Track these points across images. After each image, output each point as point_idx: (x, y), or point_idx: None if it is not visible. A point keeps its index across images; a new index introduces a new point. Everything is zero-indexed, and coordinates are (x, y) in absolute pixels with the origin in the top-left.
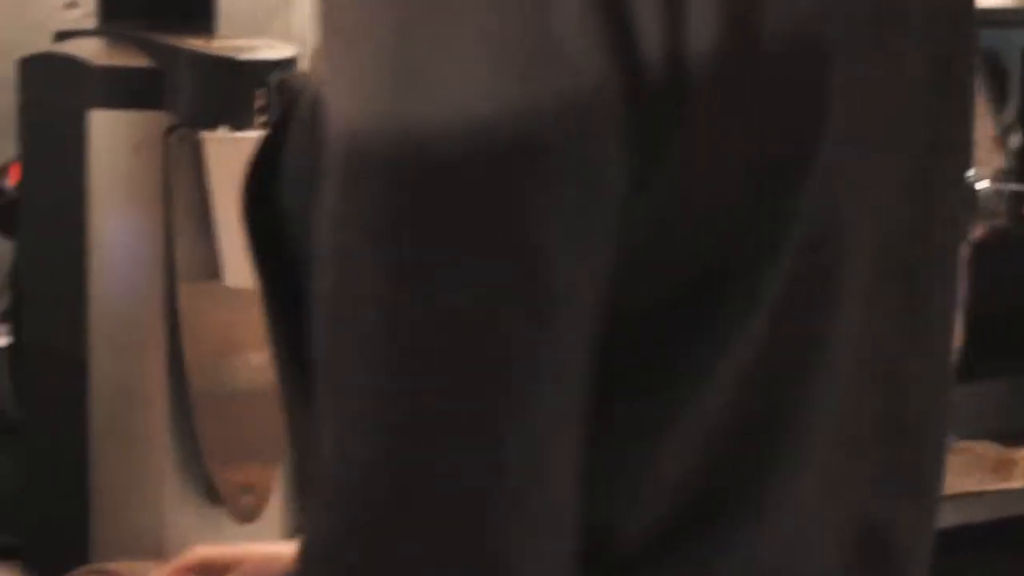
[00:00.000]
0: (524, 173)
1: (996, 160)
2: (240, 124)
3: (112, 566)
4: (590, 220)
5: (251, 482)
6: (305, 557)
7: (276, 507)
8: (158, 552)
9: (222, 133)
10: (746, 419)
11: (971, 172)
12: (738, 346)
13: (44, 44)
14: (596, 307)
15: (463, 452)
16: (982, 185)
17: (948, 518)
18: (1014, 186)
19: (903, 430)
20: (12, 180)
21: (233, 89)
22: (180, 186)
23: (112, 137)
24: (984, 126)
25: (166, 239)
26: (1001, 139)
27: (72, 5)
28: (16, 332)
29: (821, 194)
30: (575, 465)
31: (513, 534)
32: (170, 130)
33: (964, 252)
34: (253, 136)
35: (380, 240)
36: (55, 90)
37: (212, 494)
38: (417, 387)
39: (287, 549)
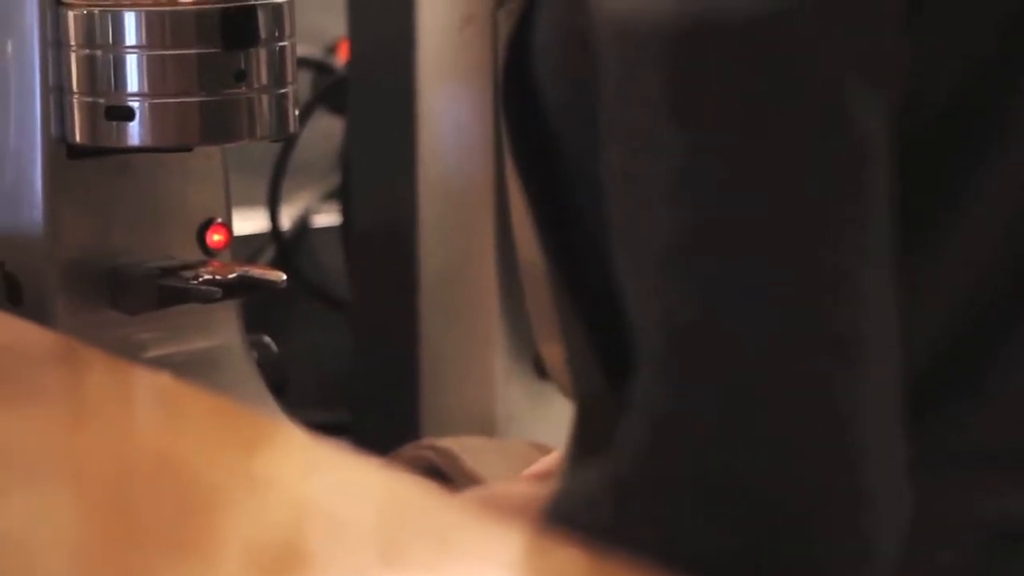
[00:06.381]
0: (814, 17)
1: None
2: None
3: (441, 442)
4: (880, 49)
5: None
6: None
7: None
8: (487, 428)
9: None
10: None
11: None
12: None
13: None
14: (891, 131)
15: (785, 295)
16: None
17: None
18: None
19: None
20: (341, 57)
21: None
22: None
23: (441, 12)
24: None
25: (495, 115)
26: None
27: None
28: (346, 211)
29: None
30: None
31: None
32: (499, 4)
33: None
34: None
35: (672, 105)
36: None
37: (541, 369)
38: (727, 231)
39: None
